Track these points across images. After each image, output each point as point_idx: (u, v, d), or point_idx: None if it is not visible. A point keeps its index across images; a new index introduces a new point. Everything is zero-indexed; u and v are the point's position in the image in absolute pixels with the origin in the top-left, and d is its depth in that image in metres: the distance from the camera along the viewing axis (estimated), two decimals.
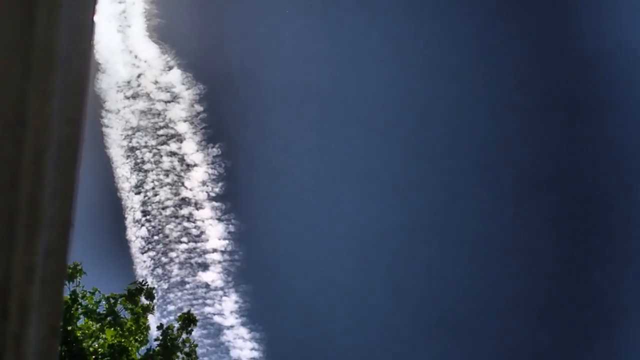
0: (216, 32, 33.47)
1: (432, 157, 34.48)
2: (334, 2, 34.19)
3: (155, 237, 30.27)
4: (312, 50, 34.31)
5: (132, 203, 30.58)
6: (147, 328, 19.21)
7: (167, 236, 30.42)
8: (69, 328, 17.94)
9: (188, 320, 19.74)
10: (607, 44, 32.72)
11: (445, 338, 33.38)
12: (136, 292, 19.44)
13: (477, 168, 34.45)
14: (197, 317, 20.11)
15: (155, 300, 19.85)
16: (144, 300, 19.58)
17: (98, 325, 18.75)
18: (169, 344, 19.07)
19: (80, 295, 18.72)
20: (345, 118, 34.66)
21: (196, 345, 19.64)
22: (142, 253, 29.72)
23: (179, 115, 30.98)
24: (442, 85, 34.13)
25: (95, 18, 1.76)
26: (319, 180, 34.96)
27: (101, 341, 18.54)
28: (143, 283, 19.81)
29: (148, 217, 30.53)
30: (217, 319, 29.63)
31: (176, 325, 19.64)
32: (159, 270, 29.38)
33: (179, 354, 19.12)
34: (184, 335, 19.49)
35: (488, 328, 33.85)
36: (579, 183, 34.38)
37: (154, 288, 20.10)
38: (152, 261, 29.54)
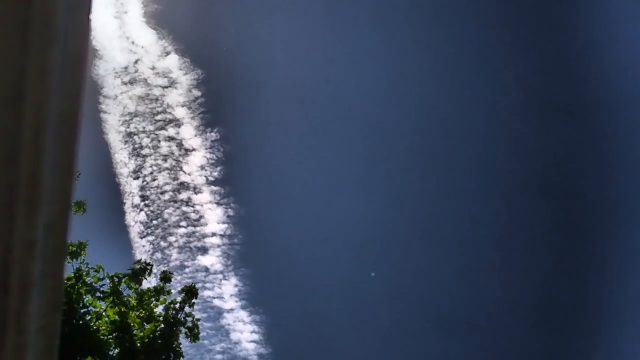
0: (213, 17, 33.39)
1: (432, 156, 34.47)
2: None
3: (154, 222, 30.28)
4: (310, 35, 34.24)
5: (131, 188, 30.58)
6: (149, 304, 19.28)
7: (166, 220, 30.44)
8: (75, 306, 18.02)
9: (190, 294, 19.83)
10: (606, 43, 32.66)
11: (443, 335, 33.48)
12: (140, 272, 19.54)
13: (476, 169, 34.44)
14: (197, 301, 20.18)
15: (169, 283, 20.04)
16: (158, 283, 19.77)
17: (102, 305, 18.86)
18: (171, 319, 19.17)
19: (84, 272, 18.78)
20: (345, 103, 34.64)
21: (198, 320, 19.74)
22: (141, 237, 29.74)
23: (177, 100, 30.95)
24: (440, 86, 34.08)
25: None
26: (317, 164, 34.96)
27: (104, 319, 18.63)
28: (147, 264, 19.94)
29: (147, 201, 30.55)
30: (217, 302, 29.71)
31: (178, 298, 19.75)
32: (158, 255, 29.40)
33: (181, 328, 19.22)
34: (186, 309, 19.60)
35: (487, 328, 33.92)
36: (578, 184, 34.37)
37: (172, 273, 20.31)
38: (151, 245, 29.57)
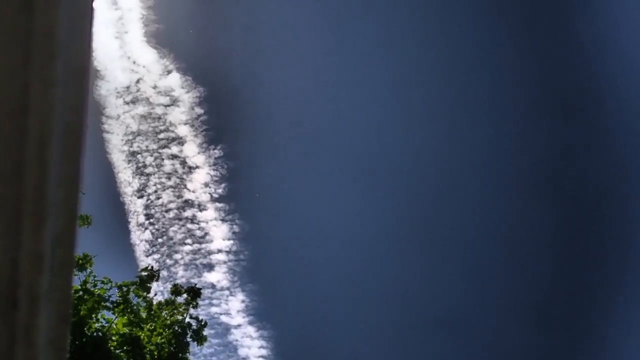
0: (213, 35, 33.48)
1: (432, 157, 34.48)
2: (332, 4, 34.18)
3: (160, 240, 30.30)
4: (313, 52, 34.31)
5: (135, 207, 30.61)
6: (160, 316, 19.28)
7: (171, 238, 30.45)
8: (86, 320, 18.06)
9: (194, 293, 19.83)
10: (606, 43, 32.66)
11: (444, 337, 33.41)
12: (147, 279, 19.57)
13: (476, 168, 34.44)
14: (204, 317, 20.16)
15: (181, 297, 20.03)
16: (164, 294, 19.82)
17: (112, 318, 18.89)
18: (178, 326, 19.17)
19: (92, 284, 18.79)
20: (347, 117, 34.66)
21: (202, 321, 19.70)
22: (147, 256, 29.76)
23: (179, 118, 31.01)
24: (441, 86, 34.11)
25: (94, 4, 1.76)
26: (321, 179, 34.96)
27: (114, 331, 18.66)
28: (154, 270, 19.97)
29: (151, 220, 30.57)
30: (224, 318, 29.69)
31: (182, 300, 19.75)
32: (164, 273, 29.38)
33: (188, 332, 19.22)
34: (191, 311, 19.61)
35: (487, 328, 33.86)
36: (578, 184, 34.33)
37: (182, 287, 20.32)
38: (157, 264, 29.55)
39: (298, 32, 34.16)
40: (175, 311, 19.57)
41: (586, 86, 33.33)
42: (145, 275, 19.61)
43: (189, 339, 19.23)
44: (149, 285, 19.48)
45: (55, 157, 1.71)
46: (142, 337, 18.72)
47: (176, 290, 19.96)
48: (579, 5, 33.25)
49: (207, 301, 29.06)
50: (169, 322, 19.33)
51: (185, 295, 19.97)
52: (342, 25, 34.17)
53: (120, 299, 18.96)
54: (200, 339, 19.38)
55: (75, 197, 1.78)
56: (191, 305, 19.68)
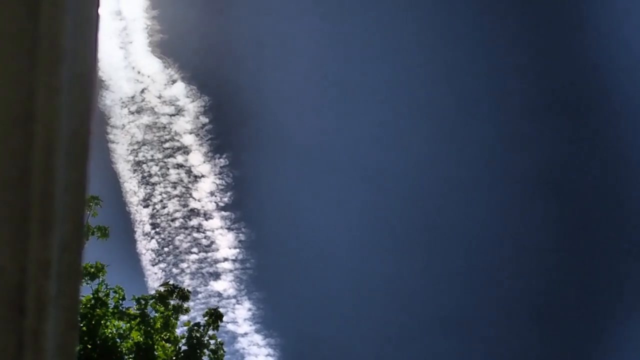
0: (218, 44, 33.55)
1: (434, 157, 34.48)
2: (335, 9, 34.24)
3: (166, 249, 30.33)
4: (316, 59, 34.36)
5: (141, 216, 30.65)
6: (174, 325, 19.35)
7: (177, 247, 30.47)
8: (97, 328, 18.05)
9: (215, 317, 19.91)
10: (608, 43, 32.64)
11: (449, 339, 33.38)
12: (167, 295, 19.64)
13: (478, 168, 34.43)
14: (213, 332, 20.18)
15: (188, 302, 20.09)
16: (176, 301, 19.81)
17: (128, 325, 18.90)
18: (194, 341, 19.23)
19: (104, 292, 18.80)
20: (351, 122, 34.69)
21: (222, 343, 19.80)
22: (153, 265, 29.79)
23: (184, 127, 31.07)
24: (442, 89, 34.13)
25: (100, 11, 1.76)
26: (326, 187, 34.97)
27: (130, 341, 18.68)
28: (174, 285, 20.05)
29: (157, 229, 30.60)
30: (230, 327, 29.69)
31: (202, 321, 19.83)
32: (171, 282, 29.41)
33: (205, 350, 19.28)
34: (210, 332, 19.67)
35: (489, 329, 33.82)
36: (580, 184, 34.29)
37: (189, 291, 20.35)
38: (164, 273, 29.57)
39: (303, 41, 34.23)
40: (185, 319, 19.65)
41: (589, 87, 33.33)
42: (164, 291, 19.69)
43: (205, 358, 19.32)
44: (168, 301, 19.57)
45: (61, 163, 1.72)
46: (155, 346, 18.74)
47: (183, 295, 19.99)
48: (584, 6, 33.26)
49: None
50: (180, 331, 19.40)
51: (184, 304, 20.00)
52: (346, 34, 34.24)
53: (138, 312, 19.02)
54: (217, 358, 19.47)
55: (82, 203, 1.78)
56: (211, 327, 19.76)
